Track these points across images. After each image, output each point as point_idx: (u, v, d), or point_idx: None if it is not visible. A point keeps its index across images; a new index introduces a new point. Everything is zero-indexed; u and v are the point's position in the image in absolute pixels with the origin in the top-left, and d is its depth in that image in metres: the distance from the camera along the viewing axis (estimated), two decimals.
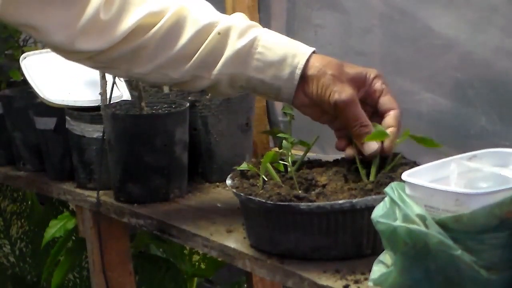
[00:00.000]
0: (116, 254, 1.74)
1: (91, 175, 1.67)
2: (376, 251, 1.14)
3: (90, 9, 1.31)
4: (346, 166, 1.30)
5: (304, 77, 1.30)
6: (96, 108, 1.64)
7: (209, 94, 1.66)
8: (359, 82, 1.29)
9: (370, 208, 1.05)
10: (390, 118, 1.28)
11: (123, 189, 1.57)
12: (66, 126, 1.68)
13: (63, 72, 1.77)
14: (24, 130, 1.85)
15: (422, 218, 0.96)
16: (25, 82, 1.76)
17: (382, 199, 1.03)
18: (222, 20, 1.34)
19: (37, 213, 2.59)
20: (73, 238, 2.08)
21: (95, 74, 1.64)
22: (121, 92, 1.70)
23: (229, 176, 1.31)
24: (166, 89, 1.78)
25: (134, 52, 1.34)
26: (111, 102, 1.62)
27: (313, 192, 1.23)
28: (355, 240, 1.19)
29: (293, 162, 1.28)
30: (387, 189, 1.02)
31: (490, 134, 1.52)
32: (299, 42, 1.33)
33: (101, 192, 1.62)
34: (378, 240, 1.13)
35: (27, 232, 2.61)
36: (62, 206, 2.38)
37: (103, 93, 1.62)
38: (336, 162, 1.35)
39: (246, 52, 1.32)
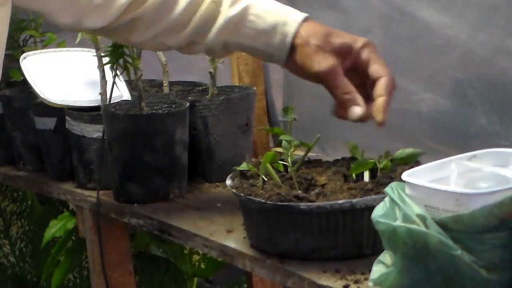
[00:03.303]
0: (116, 254, 1.74)
1: (91, 175, 1.67)
2: (376, 251, 1.14)
3: None
4: (346, 165, 1.30)
5: (293, 45, 1.30)
6: (96, 108, 1.64)
7: (209, 94, 1.66)
8: (344, 52, 1.28)
9: (370, 208, 1.05)
10: (379, 87, 1.25)
11: (123, 189, 1.57)
12: (66, 126, 1.68)
13: (63, 72, 1.77)
14: (24, 130, 1.85)
15: (422, 218, 0.96)
16: (25, 82, 1.76)
17: (382, 199, 1.03)
18: None
19: (37, 213, 2.59)
20: (73, 238, 2.08)
21: (95, 74, 1.64)
22: (121, 92, 1.70)
23: (229, 176, 1.31)
24: (166, 89, 1.77)
25: (131, 23, 1.37)
26: (111, 102, 1.62)
27: (312, 192, 1.23)
28: (355, 240, 1.18)
29: (293, 162, 1.28)
30: (387, 189, 1.02)
31: (490, 134, 1.52)
32: (291, 9, 1.33)
33: (101, 192, 1.62)
34: (378, 240, 1.13)
35: (27, 232, 2.60)
36: (62, 206, 2.37)
37: (103, 93, 1.62)
38: (335, 162, 1.35)
39: (238, 20, 1.32)
